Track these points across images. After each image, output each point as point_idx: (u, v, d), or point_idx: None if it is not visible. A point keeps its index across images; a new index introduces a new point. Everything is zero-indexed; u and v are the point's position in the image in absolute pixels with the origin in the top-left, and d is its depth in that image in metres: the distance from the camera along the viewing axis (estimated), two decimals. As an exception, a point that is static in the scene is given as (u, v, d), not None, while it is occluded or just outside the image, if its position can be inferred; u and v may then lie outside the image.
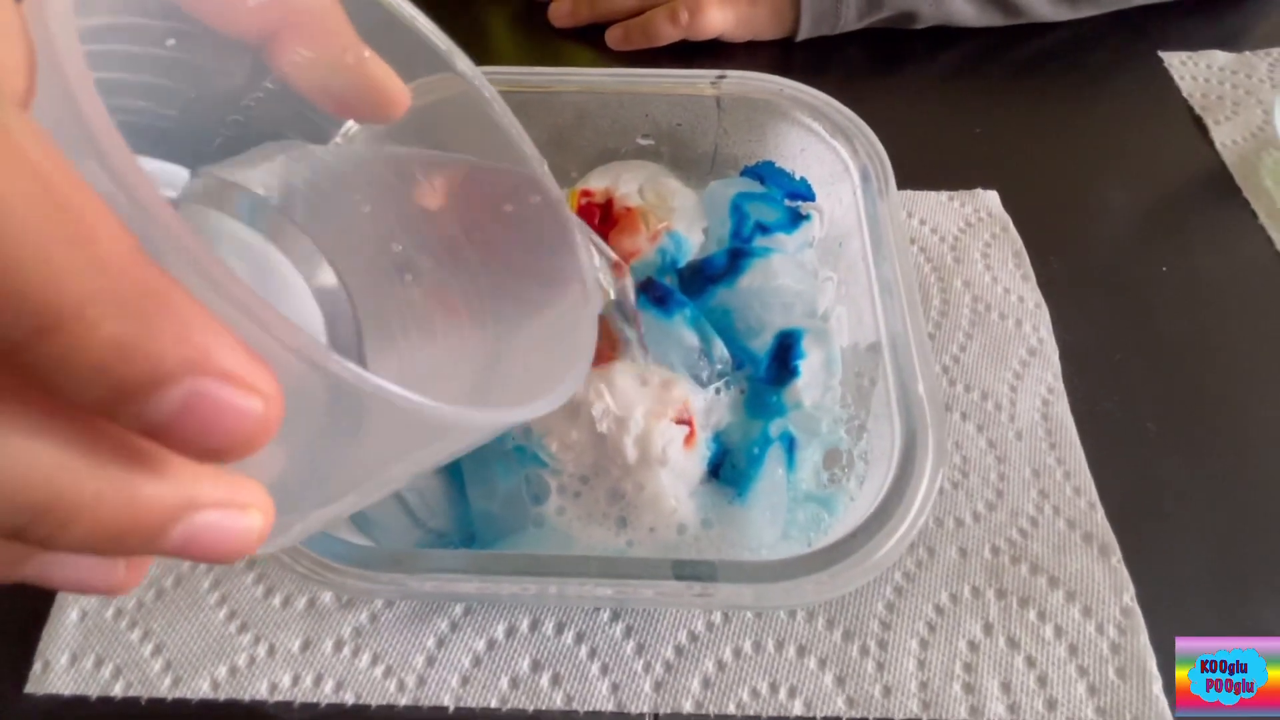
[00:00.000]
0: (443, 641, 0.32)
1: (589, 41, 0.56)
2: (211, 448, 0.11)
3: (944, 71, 0.55)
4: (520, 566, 0.23)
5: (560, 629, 0.32)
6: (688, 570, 0.23)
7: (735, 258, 0.32)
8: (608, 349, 0.30)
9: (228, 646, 0.31)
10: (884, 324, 0.28)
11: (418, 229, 0.21)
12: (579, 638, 0.32)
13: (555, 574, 0.23)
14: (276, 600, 0.33)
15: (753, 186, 0.38)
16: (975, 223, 0.46)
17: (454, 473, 0.29)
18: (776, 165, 0.38)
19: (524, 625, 0.32)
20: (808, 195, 0.37)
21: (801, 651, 0.31)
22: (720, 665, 0.31)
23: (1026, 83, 0.55)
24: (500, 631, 0.32)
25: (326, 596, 0.33)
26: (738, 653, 0.31)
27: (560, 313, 0.19)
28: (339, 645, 0.32)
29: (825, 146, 0.35)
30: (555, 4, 0.56)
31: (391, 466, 0.16)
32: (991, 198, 0.47)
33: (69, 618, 0.32)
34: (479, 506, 0.28)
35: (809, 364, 0.29)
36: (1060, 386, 0.39)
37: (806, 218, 0.37)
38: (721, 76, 0.36)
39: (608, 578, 0.23)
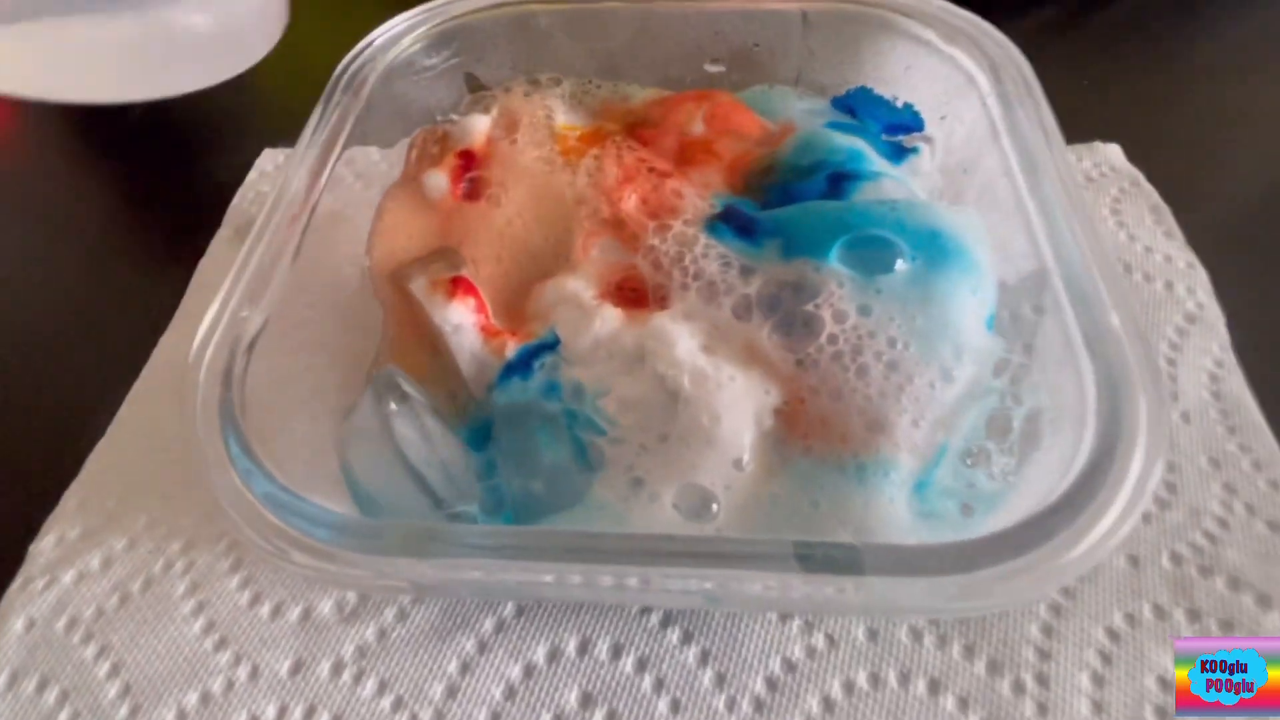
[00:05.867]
0: (468, 666, 0.25)
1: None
2: None
3: (1041, 25, 0.49)
4: (584, 548, 0.17)
5: (617, 652, 0.25)
6: (819, 555, 0.16)
7: (837, 182, 0.26)
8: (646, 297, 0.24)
9: (201, 667, 0.25)
10: (1048, 247, 0.21)
11: None
12: (641, 664, 0.25)
13: (632, 558, 0.16)
14: (264, 610, 0.26)
15: (841, 120, 0.32)
16: (1098, 178, 0.39)
17: (483, 443, 0.23)
18: (873, 92, 0.31)
19: (570, 646, 0.25)
20: (913, 125, 0.31)
21: (934, 687, 0.24)
22: (827, 704, 0.24)
23: (1135, 31, 0.49)
24: (540, 654, 0.25)
25: (325, 606, 0.26)
26: (849, 688, 0.24)
27: None
28: (338, 668, 0.25)
29: (939, 58, 0.29)
30: None
31: None
32: (1113, 151, 0.40)
33: (13, 628, 0.26)
34: (517, 484, 0.22)
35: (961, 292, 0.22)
36: (1230, 359, 0.31)
37: (913, 151, 0.30)
38: (808, -14, 0.30)
39: (699, 565, 0.16)
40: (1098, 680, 0.24)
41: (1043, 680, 0.24)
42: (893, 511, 0.19)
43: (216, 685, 0.25)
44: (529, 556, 0.16)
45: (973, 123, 0.27)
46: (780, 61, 0.32)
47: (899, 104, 0.31)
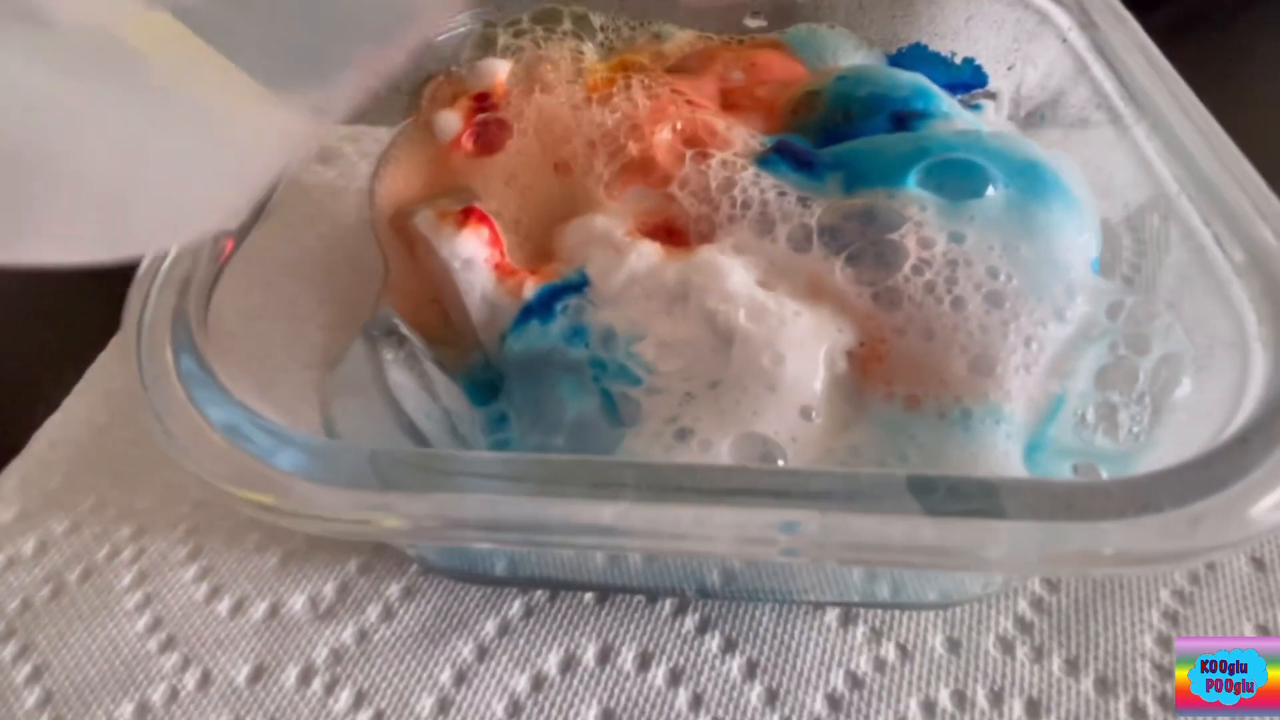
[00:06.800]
0: (464, 675, 0.21)
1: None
2: None
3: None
4: (627, 478, 0.13)
5: (645, 661, 0.21)
6: (942, 491, 0.12)
7: (901, 122, 0.23)
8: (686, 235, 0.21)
9: (141, 672, 0.21)
10: (1169, 169, 0.18)
11: None
12: (674, 676, 0.20)
13: (688, 490, 0.12)
14: (223, 605, 0.22)
15: (893, 81, 0.29)
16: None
17: (491, 398, 0.19)
18: (927, 50, 0.29)
19: (588, 653, 0.21)
20: (974, 82, 0.28)
21: (1034, 710, 0.20)
22: (904, 727, 0.19)
23: (1176, 38, 0.47)
24: (552, 662, 0.21)
25: (297, 602, 0.22)
26: (929, 708, 0.20)
27: None
28: (307, 675, 0.21)
29: (1005, 2, 0.26)
30: None
31: None
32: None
33: (-81, 621, 0.22)
34: (534, 440, 0.18)
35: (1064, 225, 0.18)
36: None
37: (975, 107, 0.27)
38: (857, -64, 0.28)
39: (779, 502, 0.12)
40: (1234, 704, 0.19)
41: (1167, 704, 0.20)
42: (1009, 467, 0.16)
43: (157, 695, 0.21)
44: (558, 491, 0.12)
45: (1048, 65, 0.25)
46: (826, 15, 0.29)
47: (957, 60, 0.28)
